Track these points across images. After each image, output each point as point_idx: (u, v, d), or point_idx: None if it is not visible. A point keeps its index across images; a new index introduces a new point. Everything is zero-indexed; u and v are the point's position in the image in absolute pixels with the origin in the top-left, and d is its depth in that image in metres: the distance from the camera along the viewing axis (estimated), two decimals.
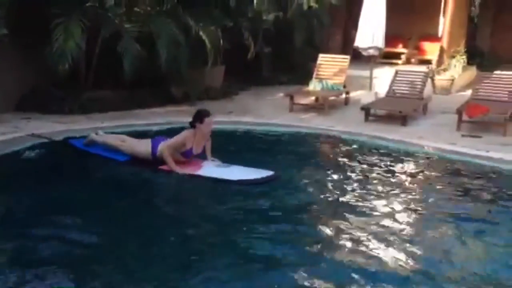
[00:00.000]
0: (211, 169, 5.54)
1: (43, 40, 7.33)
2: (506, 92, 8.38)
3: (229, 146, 6.66)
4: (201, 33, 8.34)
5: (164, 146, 5.47)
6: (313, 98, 9.55)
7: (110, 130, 6.72)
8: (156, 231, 4.15)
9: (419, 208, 4.84)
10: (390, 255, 3.77)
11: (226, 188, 5.14)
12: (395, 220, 4.49)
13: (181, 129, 5.83)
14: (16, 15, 6.78)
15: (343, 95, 9.69)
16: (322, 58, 10.06)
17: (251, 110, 8.87)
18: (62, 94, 7.84)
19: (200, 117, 5.56)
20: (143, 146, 5.66)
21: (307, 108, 9.19)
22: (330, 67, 9.91)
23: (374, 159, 6.34)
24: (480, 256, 3.87)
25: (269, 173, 5.41)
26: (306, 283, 3.31)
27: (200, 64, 8.89)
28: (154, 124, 7.41)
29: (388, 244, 3.95)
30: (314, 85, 9.46)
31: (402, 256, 3.76)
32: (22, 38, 7.13)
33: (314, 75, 9.79)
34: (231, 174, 5.37)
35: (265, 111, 8.83)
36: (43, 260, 3.53)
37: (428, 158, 6.49)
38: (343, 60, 9.90)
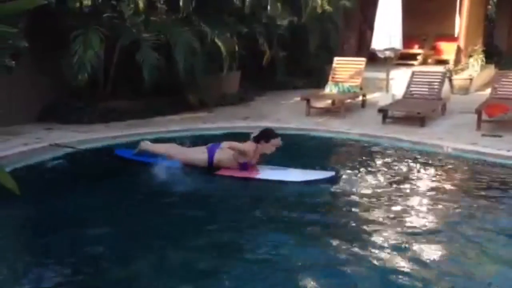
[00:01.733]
0: (271, 172, 5.56)
1: (61, 53, 7.47)
2: None
3: None
4: (216, 40, 8.40)
5: (226, 144, 5.56)
6: (329, 101, 9.55)
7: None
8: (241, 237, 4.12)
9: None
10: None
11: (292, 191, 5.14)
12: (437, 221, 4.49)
13: (201, 137, 5.97)
14: (35, 28, 6.92)
15: (360, 98, 9.66)
16: (337, 61, 10.05)
17: (268, 115, 8.90)
18: (81, 105, 7.96)
19: (267, 136, 5.58)
20: (198, 154, 5.69)
21: (324, 111, 9.18)
22: (346, 70, 9.89)
23: (397, 161, 6.30)
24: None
25: (331, 173, 5.44)
26: None
27: (216, 71, 8.96)
28: (173, 131, 7.48)
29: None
30: (330, 88, 9.45)
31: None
32: (41, 51, 7.27)
33: (330, 78, 9.78)
34: (294, 176, 5.39)
35: (282, 116, 8.85)
36: None
37: (450, 159, 6.41)
38: (359, 62, 9.88)
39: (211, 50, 8.63)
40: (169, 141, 6.27)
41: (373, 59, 10.56)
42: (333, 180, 5.31)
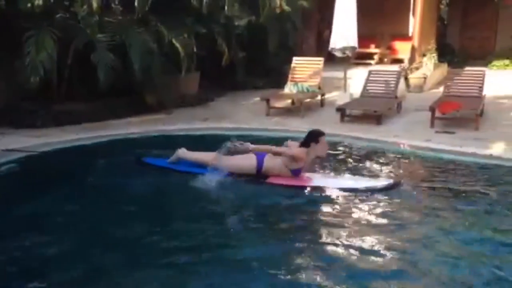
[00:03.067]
0: (324, 179, 5.39)
1: (13, 55, 7.23)
2: (476, 88, 8.58)
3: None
4: (174, 40, 8.31)
5: (286, 151, 5.33)
6: (289, 101, 9.62)
7: (86, 142, 6.66)
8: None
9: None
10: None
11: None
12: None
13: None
14: None
15: (319, 97, 9.77)
16: (296, 61, 10.13)
17: (228, 116, 8.88)
18: (34, 108, 7.72)
19: (314, 136, 5.41)
20: (245, 161, 5.45)
21: (283, 111, 9.24)
22: (304, 69, 9.98)
23: (356, 159, 6.41)
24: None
25: (389, 181, 5.28)
26: None
27: (175, 72, 8.86)
28: (131, 133, 7.35)
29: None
30: (289, 88, 9.52)
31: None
32: None
33: (289, 78, 9.85)
34: (352, 183, 5.23)
35: (242, 116, 8.85)
36: None
37: (405, 155, 6.57)
38: (318, 62, 9.99)
39: (168, 51, 8.54)
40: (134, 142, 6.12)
41: (332, 59, 10.71)
42: (393, 187, 5.14)
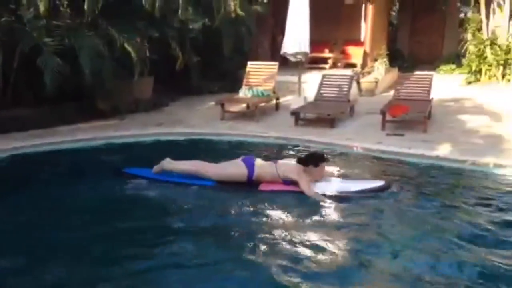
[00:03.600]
0: (319, 184, 5.24)
1: None
2: (425, 92, 8.86)
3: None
4: (125, 44, 8.16)
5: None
6: (244, 105, 9.63)
7: (32, 150, 6.43)
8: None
9: None
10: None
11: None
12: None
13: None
14: None
15: (274, 101, 9.83)
16: (251, 65, 10.17)
17: (182, 121, 8.80)
18: None
19: (316, 160, 5.28)
20: (235, 169, 5.34)
21: (239, 115, 9.24)
22: (259, 74, 10.03)
23: None
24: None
25: (381, 182, 5.29)
26: None
27: (127, 76, 8.70)
28: (79, 140, 7.16)
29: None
30: (244, 92, 9.53)
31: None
32: None
33: (244, 83, 9.87)
34: (345, 186, 5.18)
35: (196, 121, 8.79)
36: None
37: (357, 157, 6.71)
38: (272, 66, 10.06)
39: (120, 55, 8.37)
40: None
41: (286, 63, 10.82)
42: (385, 189, 5.16)
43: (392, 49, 15.84)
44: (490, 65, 12.88)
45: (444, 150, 6.77)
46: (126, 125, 8.29)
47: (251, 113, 9.12)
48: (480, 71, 13.09)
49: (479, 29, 13.42)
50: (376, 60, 12.46)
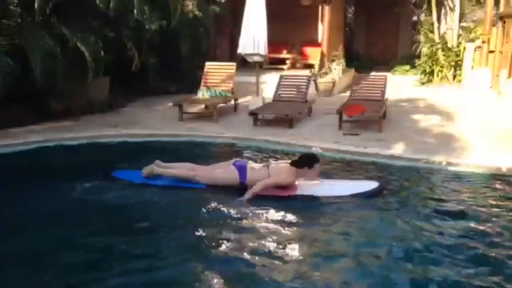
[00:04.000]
0: (310, 187, 5.15)
1: None
2: (379, 92, 9.07)
3: (121, 160, 6.46)
4: (79, 44, 7.95)
5: (268, 182, 5.05)
6: (202, 106, 9.57)
7: None
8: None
9: None
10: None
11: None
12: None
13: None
14: None
15: (232, 102, 9.82)
16: (209, 66, 10.12)
17: (139, 122, 8.66)
18: None
19: (310, 161, 5.17)
20: (226, 173, 5.23)
21: (197, 116, 9.18)
22: (217, 74, 10.00)
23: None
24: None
25: (375, 184, 5.21)
26: None
27: (81, 77, 8.47)
28: (31, 143, 6.92)
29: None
30: (202, 93, 9.47)
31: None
32: None
33: (202, 83, 9.82)
34: (336, 190, 5.10)
35: (154, 122, 8.67)
36: None
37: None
38: (230, 67, 10.04)
39: (74, 55, 8.14)
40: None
41: (245, 64, 10.83)
42: (379, 191, 5.12)
43: (349, 50, 16.18)
44: (442, 67, 13.35)
45: (398, 148, 6.95)
46: (80, 127, 8.08)
47: (210, 114, 9.07)
48: (432, 72, 13.54)
49: (431, 31, 13.87)
50: (333, 61, 12.66)
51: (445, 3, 13.75)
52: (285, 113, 8.51)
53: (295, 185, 5.16)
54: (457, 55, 13.32)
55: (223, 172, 5.28)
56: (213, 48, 13.10)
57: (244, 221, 4.54)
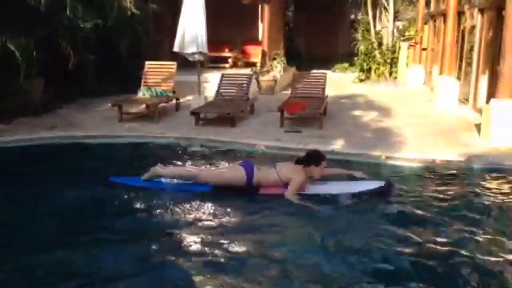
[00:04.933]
0: (317, 187, 5.13)
1: None
2: (320, 89, 9.24)
3: (60, 163, 6.24)
4: (8, 43, 7.54)
5: (299, 179, 4.98)
6: (143, 106, 9.37)
7: None
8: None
9: None
10: None
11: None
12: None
13: None
14: None
15: (174, 101, 9.68)
16: (149, 65, 9.92)
17: (77, 124, 8.37)
18: None
19: (316, 159, 5.09)
20: (234, 173, 5.12)
21: (137, 117, 8.98)
22: (157, 74, 9.82)
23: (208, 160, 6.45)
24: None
25: (381, 182, 5.17)
26: None
27: (12, 77, 8.05)
28: None
29: None
30: (143, 93, 9.29)
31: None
32: None
33: (142, 83, 9.61)
34: (343, 188, 5.06)
35: (93, 123, 8.41)
36: None
37: (255, 154, 6.81)
38: (171, 66, 9.88)
39: (3, 55, 7.72)
40: None
41: (187, 63, 10.68)
42: (387, 189, 5.07)
43: (290, 49, 16.39)
44: (378, 64, 13.81)
45: (338, 144, 7.11)
46: (12, 130, 7.70)
47: (151, 114, 8.90)
48: (370, 70, 13.98)
49: (368, 30, 14.31)
50: (274, 59, 12.78)
51: (380, 2, 14.23)
52: (227, 112, 8.49)
53: (304, 185, 5.11)
54: (393, 53, 13.83)
55: (230, 171, 5.23)
56: (153, 47, 12.83)
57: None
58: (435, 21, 12.66)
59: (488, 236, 4.14)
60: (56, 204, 4.84)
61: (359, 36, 14.55)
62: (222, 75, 9.80)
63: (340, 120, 8.84)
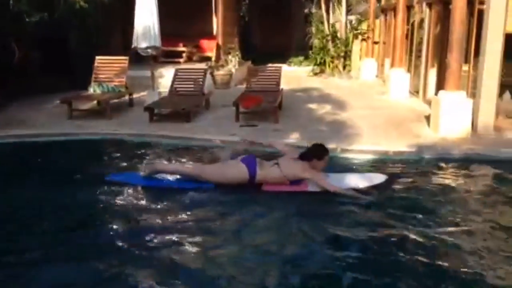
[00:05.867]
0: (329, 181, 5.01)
1: None
2: (275, 83, 9.24)
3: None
4: None
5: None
6: (94, 102, 9.09)
7: None
8: None
9: None
10: None
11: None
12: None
13: None
14: None
15: (127, 97, 9.45)
16: (99, 60, 9.62)
17: (24, 121, 8.04)
18: None
19: (320, 153, 5.06)
20: (236, 171, 4.99)
21: (89, 113, 8.71)
22: (109, 69, 9.54)
23: (161, 157, 6.32)
24: None
25: (384, 176, 5.18)
26: None
27: None
28: None
29: None
30: (93, 89, 9.01)
31: None
32: None
33: (93, 78, 9.32)
34: (351, 182, 5.05)
35: (41, 121, 8.10)
36: None
37: (210, 149, 6.73)
38: (122, 61, 9.62)
39: None
40: None
41: (141, 58, 10.44)
42: (389, 183, 5.09)
43: (246, 42, 16.34)
44: (332, 57, 13.99)
45: (294, 137, 7.13)
46: None
47: (103, 110, 8.65)
48: (324, 63, 14.14)
49: (322, 23, 14.46)
50: (229, 53, 12.70)
51: None
52: (182, 107, 8.36)
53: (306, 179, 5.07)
54: (346, 46, 14.04)
55: (232, 168, 5.07)
56: (106, 42, 12.47)
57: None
58: (386, 15, 12.93)
59: (437, 220, 4.32)
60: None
61: (313, 29, 14.68)
62: (176, 70, 9.63)
63: (295, 113, 8.88)
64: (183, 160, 6.11)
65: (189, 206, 4.71)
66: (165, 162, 5.41)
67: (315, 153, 5.09)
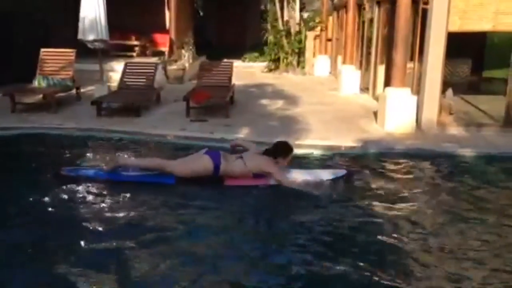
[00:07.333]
0: (291, 175, 5.15)
1: None
2: (226, 78, 9.21)
3: None
4: None
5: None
6: (40, 96, 8.78)
7: None
8: None
9: None
10: None
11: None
12: None
13: None
14: None
15: (74, 91, 9.18)
16: (44, 52, 9.28)
17: None
18: None
19: (286, 152, 5.15)
20: (201, 163, 4.96)
21: (33, 107, 8.40)
22: (55, 61, 9.22)
23: (107, 152, 6.19)
24: None
25: (343, 171, 5.33)
26: None
27: None
28: None
29: None
30: (38, 82, 8.70)
31: None
32: None
33: (38, 71, 9.00)
34: (311, 175, 5.17)
35: None
36: None
37: (160, 144, 6.66)
38: (69, 54, 9.31)
39: None
40: None
41: (91, 51, 10.16)
42: (349, 177, 5.23)
43: (201, 37, 16.22)
44: (286, 54, 14.09)
45: (244, 132, 7.13)
46: None
47: (48, 104, 8.36)
48: (278, 59, 14.22)
49: (276, 20, 14.53)
50: (183, 48, 12.56)
51: None
52: (131, 101, 8.20)
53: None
54: (299, 43, 14.16)
55: (196, 161, 5.03)
56: (53, 34, 12.07)
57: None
58: (338, 12, 13.12)
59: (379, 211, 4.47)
60: None
61: (268, 26, 14.73)
62: (126, 64, 9.43)
63: (247, 108, 8.88)
64: (132, 154, 5.99)
65: (145, 201, 4.60)
66: (127, 156, 5.36)
67: (281, 150, 5.18)
